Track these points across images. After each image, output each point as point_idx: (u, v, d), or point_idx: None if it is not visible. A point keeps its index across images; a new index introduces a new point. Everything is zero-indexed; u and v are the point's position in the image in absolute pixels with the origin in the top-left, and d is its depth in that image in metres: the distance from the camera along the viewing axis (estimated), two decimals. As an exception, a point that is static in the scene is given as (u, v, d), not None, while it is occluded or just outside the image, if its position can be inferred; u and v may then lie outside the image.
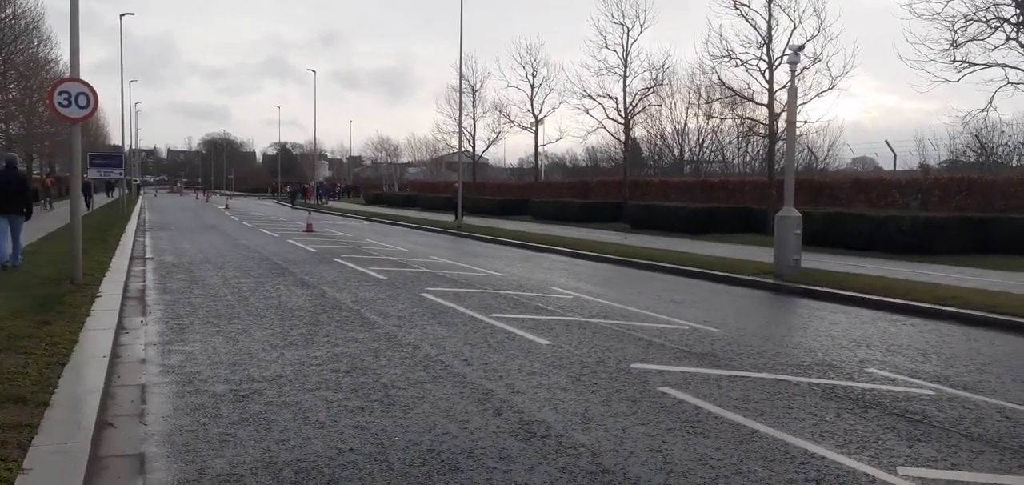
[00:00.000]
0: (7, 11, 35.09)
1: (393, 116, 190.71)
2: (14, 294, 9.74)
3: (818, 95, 28.98)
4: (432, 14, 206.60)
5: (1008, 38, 21.74)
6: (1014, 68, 22.03)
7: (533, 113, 48.39)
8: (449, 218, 35.88)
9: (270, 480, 4.36)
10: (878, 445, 5.25)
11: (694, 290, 13.73)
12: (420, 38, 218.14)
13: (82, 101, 11.31)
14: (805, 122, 31.35)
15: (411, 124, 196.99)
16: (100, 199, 53.03)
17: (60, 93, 11.28)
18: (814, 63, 28.05)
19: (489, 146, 56.76)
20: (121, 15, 66.06)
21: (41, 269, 12.62)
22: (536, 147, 50.48)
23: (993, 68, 22.23)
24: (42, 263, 13.61)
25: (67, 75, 12.59)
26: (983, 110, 23.62)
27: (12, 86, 38.46)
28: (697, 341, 8.71)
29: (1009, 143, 36.18)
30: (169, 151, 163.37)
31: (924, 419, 5.90)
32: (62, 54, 44.05)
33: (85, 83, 11.38)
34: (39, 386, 5.52)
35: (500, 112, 52.17)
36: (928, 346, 8.94)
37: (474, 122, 52.68)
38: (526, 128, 49.78)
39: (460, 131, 41.26)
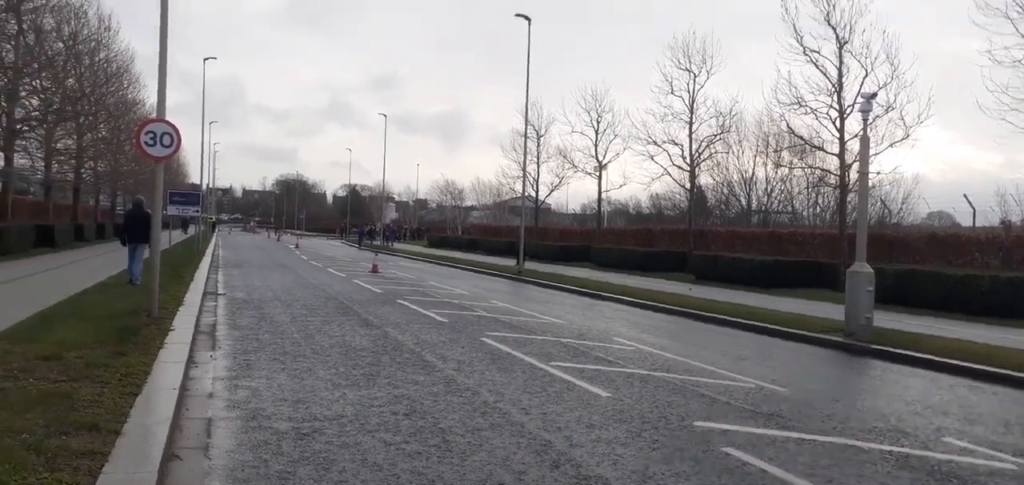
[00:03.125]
0: (101, 55, 37.17)
1: (451, 160, 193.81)
2: (95, 324, 10.16)
3: (891, 145, 28.12)
4: (489, 59, 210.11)
5: (1096, 89, 20.76)
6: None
7: (597, 158, 48.32)
8: (510, 262, 36.00)
9: (327, 522, 4.39)
10: (956, 520, 4.98)
11: (761, 346, 13.38)
12: (476, 83, 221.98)
13: (166, 140, 11.83)
14: (878, 173, 30.45)
15: (473, 168, 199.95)
16: (177, 235, 55.14)
17: (146, 133, 11.83)
18: (887, 111, 27.28)
19: (552, 191, 56.86)
20: (205, 59, 69.14)
21: (120, 302, 13.15)
22: (599, 193, 50.27)
23: (1078, 118, 21.20)
24: (121, 296, 14.19)
25: (153, 116, 13.20)
26: (1071, 165, 22.49)
27: (102, 126, 40.57)
28: (763, 400, 8.47)
29: (1097, 199, 34.31)
30: (244, 190, 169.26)
31: (1006, 494, 5.57)
32: (148, 96, 46.45)
33: (170, 123, 11.92)
34: (112, 415, 5.71)
35: (564, 157, 52.26)
36: (1010, 416, 8.47)
37: (537, 167, 52.90)
38: (590, 173, 49.68)
39: (524, 175, 41.55)
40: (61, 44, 31.50)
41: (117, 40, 39.47)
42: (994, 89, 22.02)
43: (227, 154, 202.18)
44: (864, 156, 15.73)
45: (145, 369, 7.49)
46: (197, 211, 31.85)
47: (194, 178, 79.51)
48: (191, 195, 33.61)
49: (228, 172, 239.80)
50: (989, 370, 11.08)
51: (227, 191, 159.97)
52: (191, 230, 64.60)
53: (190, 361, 8.66)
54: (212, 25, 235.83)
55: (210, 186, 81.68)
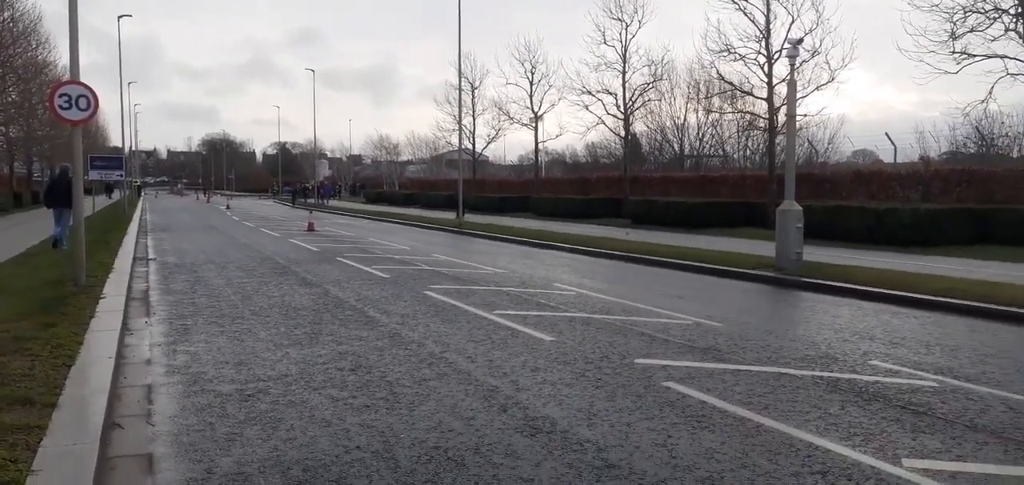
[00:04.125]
0: (5, 14, 35.11)
1: (382, 116, 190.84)
2: (19, 297, 9.77)
3: (817, 88, 29.04)
4: (416, 11, 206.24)
5: (1007, 29, 21.68)
6: (1013, 59, 21.98)
7: (532, 110, 48.38)
8: (450, 216, 35.90)
9: (278, 479, 4.39)
10: (882, 437, 5.27)
11: (696, 285, 13.74)
12: (403, 37, 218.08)
13: (82, 103, 11.31)
14: (805, 116, 31.41)
15: (407, 122, 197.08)
16: (101, 201, 53.06)
17: (60, 96, 11.28)
18: (813, 56, 28.09)
19: (489, 143, 56.91)
20: (119, 17, 66.14)
21: (44, 271, 12.65)
22: (536, 144, 50.48)
23: (992, 59, 22.17)
24: (45, 265, 13.65)
25: (66, 78, 12.59)
26: (983, 101, 23.55)
27: (11, 89, 38.45)
28: (700, 336, 8.73)
29: (1009, 134, 36.13)
30: (169, 152, 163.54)
31: (928, 411, 5.92)
32: (60, 56, 44.12)
33: (85, 85, 11.39)
34: (46, 388, 5.54)
35: (500, 109, 52.16)
36: (931, 338, 8.95)
37: (474, 119, 52.70)
38: (526, 125, 49.78)
39: (460, 129, 41.31)
40: (-39, 4, 29.60)
41: (21, -2, 37.29)
42: (913, 32, 22.70)
43: (148, 115, 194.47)
44: (791, 100, 16.14)
45: (77, 339, 7.26)
46: (121, 175, 30.61)
47: (115, 142, 76.43)
48: (113, 159, 32.31)
49: (151, 134, 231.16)
50: (911, 296, 11.65)
51: (152, 154, 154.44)
52: (116, 195, 62.21)
53: (124, 328, 8.42)
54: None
55: (133, 149, 78.65)
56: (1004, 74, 22.29)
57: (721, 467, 4.66)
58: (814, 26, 28.33)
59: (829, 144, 48.54)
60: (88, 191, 38.05)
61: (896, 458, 4.87)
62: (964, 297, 11.27)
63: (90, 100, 11.38)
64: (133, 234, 23.31)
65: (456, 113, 44.75)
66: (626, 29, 38.67)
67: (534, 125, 48.70)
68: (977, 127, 35.75)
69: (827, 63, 28.71)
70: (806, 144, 44.35)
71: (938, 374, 7.14)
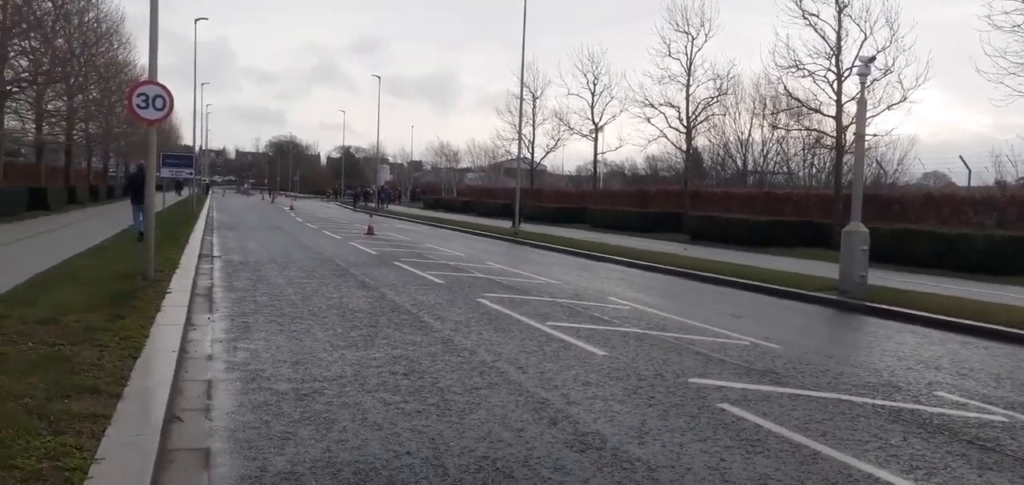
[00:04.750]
0: (90, 14, 36.69)
1: (441, 123, 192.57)
2: (92, 288, 10.17)
3: (889, 107, 28.24)
4: (476, 20, 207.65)
5: (1094, 50, 20.72)
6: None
7: (593, 121, 48.21)
8: (506, 224, 36.00)
9: (329, 480, 4.45)
10: (946, 472, 5.07)
11: (756, 305, 13.46)
12: (462, 45, 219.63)
13: (159, 103, 11.73)
14: (874, 135, 30.48)
15: (466, 130, 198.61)
16: (171, 197, 54.94)
17: (139, 95, 11.72)
18: (885, 74, 27.33)
19: (548, 153, 56.83)
20: (196, 19, 68.70)
21: (117, 264, 13.15)
22: (595, 155, 50.27)
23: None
24: (118, 258, 14.18)
25: (145, 78, 13.08)
26: (1066, 125, 22.52)
27: (93, 87, 40.18)
28: (758, 357, 8.55)
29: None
30: (237, 152, 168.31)
31: (996, 447, 5.66)
32: (139, 57, 45.93)
33: (162, 86, 11.81)
34: (112, 378, 5.74)
35: (560, 119, 52.16)
36: (1002, 371, 8.57)
37: (533, 129, 52.82)
38: (586, 135, 49.66)
39: (520, 138, 41.33)
40: (49, 3, 31.03)
41: (106, 0, 39.00)
42: (992, 53, 21.95)
43: (218, 116, 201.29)
44: (861, 118, 15.71)
45: (143, 332, 7.51)
46: (191, 173, 31.69)
47: (187, 140, 79.20)
48: (185, 157, 33.47)
49: (220, 134, 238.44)
50: (981, 326, 11.19)
51: (220, 153, 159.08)
52: (185, 192, 64.37)
53: (188, 323, 8.69)
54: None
55: (203, 148, 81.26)
56: (1088, 97, 21.27)
57: (774, 494, 4.54)
58: (887, 44, 27.55)
59: (899, 165, 47.06)
60: (159, 188, 39.45)
61: (961, 496, 4.68)
62: (1040, 330, 10.76)
63: (166, 100, 11.79)
64: (200, 231, 24.05)
65: (516, 122, 44.91)
66: (692, 42, 38.28)
67: (594, 136, 48.55)
68: (1058, 151, 34.14)
69: (900, 82, 27.87)
70: (875, 164, 43.05)
71: (1009, 409, 6.83)
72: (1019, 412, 6.74)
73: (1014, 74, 21.51)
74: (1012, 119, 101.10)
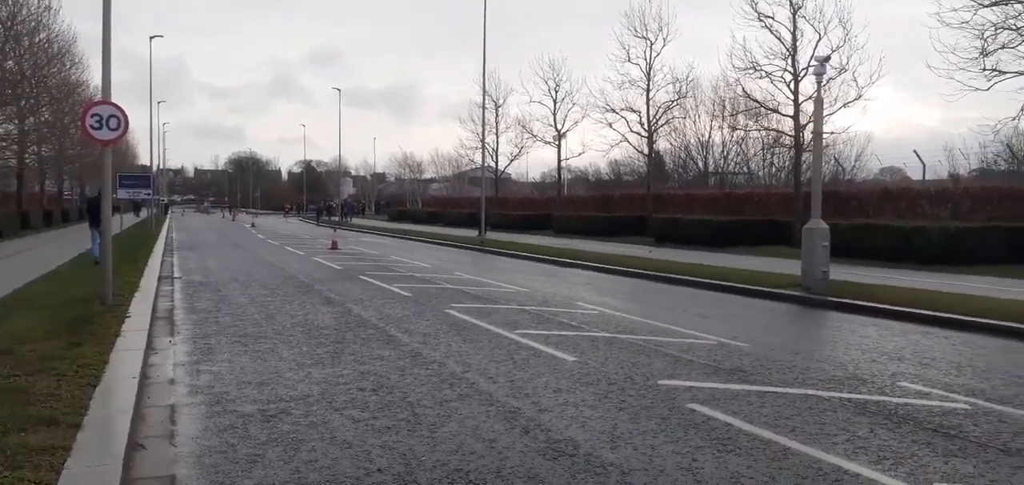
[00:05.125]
0: (41, 36, 35.84)
1: (403, 134, 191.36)
2: (47, 314, 9.90)
3: (845, 105, 28.75)
4: (436, 31, 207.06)
5: (1039, 44, 21.36)
6: (1046, 75, 21.63)
7: (556, 128, 48.43)
8: (472, 233, 35.94)
9: (299, 501, 4.36)
10: (913, 461, 5.15)
11: (721, 304, 13.60)
12: (423, 55, 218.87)
13: (113, 123, 11.48)
14: (832, 133, 31.08)
15: (429, 140, 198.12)
16: (129, 219, 53.83)
17: (92, 116, 11.46)
18: (840, 73, 27.82)
19: (512, 161, 56.90)
20: (151, 37, 67.59)
21: (73, 289, 12.82)
22: (559, 161, 50.52)
23: (1024, 76, 21.85)
24: (73, 284, 13.83)
25: (98, 98, 12.80)
26: (1014, 118, 23.18)
27: (44, 109, 39.22)
28: (725, 356, 8.62)
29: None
30: (196, 170, 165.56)
31: (960, 434, 5.77)
32: (92, 76, 44.96)
33: (116, 106, 11.55)
34: (71, 408, 5.58)
35: (523, 127, 52.25)
36: (962, 359, 8.76)
37: (497, 137, 52.86)
38: (549, 142, 49.84)
39: (483, 147, 41.31)
40: (-1, 26, 30.31)
41: (58, 20, 38.16)
42: (942, 50, 22.51)
43: (175, 134, 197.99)
44: (818, 117, 16.00)
45: (102, 359, 7.32)
46: (149, 193, 31.03)
47: (144, 159, 77.63)
48: (142, 177, 32.74)
49: (178, 152, 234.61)
50: (941, 316, 11.43)
51: (179, 172, 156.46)
52: (144, 213, 63.13)
53: (149, 348, 8.49)
54: (150, 1, 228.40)
55: (161, 167, 79.85)
56: (1036, 90, 21.91)
57: (747, 493, 4.56)
58: (841, 43, 28.07)
59: (856, 161, 48.06)
60: (117, 209, 38.64)
61: (927, 483, 4.75)
62: (996, 317, 11.04)
63: (120, 120, 11.54)
64: (159, 252, 23.60)
65: (479, 131, 44.93)
66: (651, 47, 38.70)
67: (557, 143, 48.77)
68: (1008, 144, 35.19)
69: (854, 80, 28.41)
70: (833, 162, 43.87)
71: (970, 396, 6.97)
72: (980, 399, 6.89)
73: (964, 69, 22.08)
74: (963, 113, 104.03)
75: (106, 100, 11.71)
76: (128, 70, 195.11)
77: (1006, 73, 21.76)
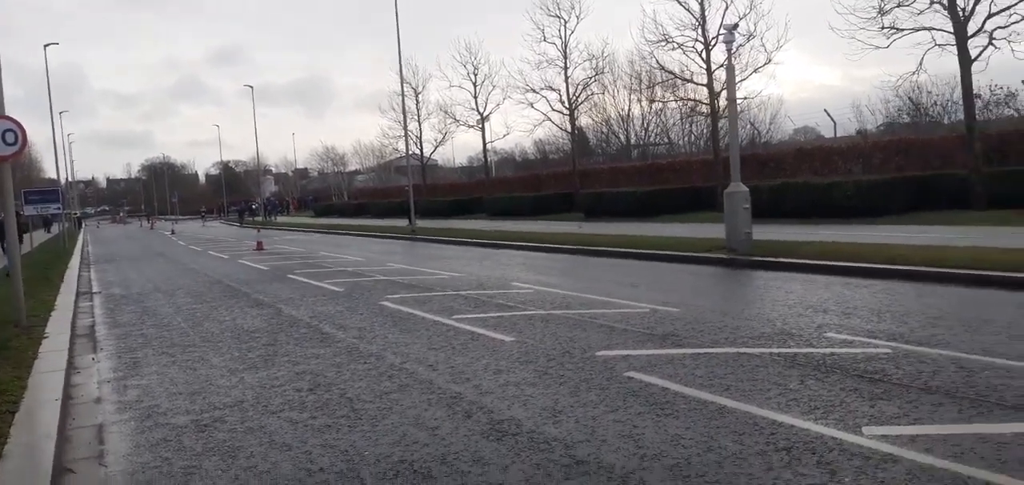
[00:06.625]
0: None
1: (320, 127, 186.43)
2: (-46, 344, 9.34)
3: (755, 71, 29.61)
4: (346, 21, 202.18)
5: (932, 2, 22.45)
6: (940, 30, 22.77)
7: (478, 111, 48.42)
8: (402, 223, 35.62)
9: (240, 509, 4.25)
10: (842, 408, 5.36)
11: (650, 272, 13.86)
12: (332, 47, 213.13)
13: (9, 138, 10.85)
14: (745, 98, 31.96)
15: (350, 132, 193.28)
16: (40, 236, 51.24)
17: (-13, 131, 10.82)
18: (749, 40, 28.61)
19: (437, 147, 56.68)
20: (45, 45, 64.24)
21: (-19, 315, 12.13)
22: (484, 145, 50.59)
23: (920, 32, 22.95)
24: (-18, 308, 13.09)
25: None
26: (913, 73, 24.34)
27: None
28: (658, 323, 8.79)
29: (939, 102, 37.35)
30: (108, 180, 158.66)
31: (884, 377, 6.04)
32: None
33: (11, 119, 10.94)
34: (-11, 438, 5.29)
35: (445, 112, 52.03)
36: (881, 306, 9.16)
37: (420, 124, 52.49)
38: (472, 126, 49.85)
39: (406, 135, 40.90)
40: None
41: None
42: (843, 11, 23.37)
43: (82, 145, 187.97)
44: (731, 84, 16.41)
45: (20, 383, 6.96)
46: (58, 208, 29.65)
47: (51, 173, 74.03)
48: (49, 192, 31.28)
49: (87, 164, 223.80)
50: (860, 266, 11.94)
51: (90, 183, 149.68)
52: (55, 229, 60.24)
53: (71, 367, 8.12)
54: (38, 8, 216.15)
55: (70, 180, 76.31)
56: (932, 45, 23.06)
57: (688, 453, 4.67)
58: (748, 10, 28.88)
59: (771, 124, 49.62)
60: (25, 228, 36.77)
61: (857, 427, 4.95)
62: (910, 263, 11.59)
63: (17, 134, 10.92)
64: (75, 268, 22.58)
65: (401, 119, 44.47)
66: (565, 25, 39.00)
67: (481, 126, 48.78)
68: (910, 98, 36.87)
69: (763, 46, 29.56)
70: (748, 126, 45.20)
71: (891, 340, 7.30)
72: (900, 342, 7.22)
73: (864, 28, 23.04)
74: (866, 71, 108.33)
75: (0, 115, 11.07)
76: (21, 84, 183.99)
77: (903, 29, 22.80)
